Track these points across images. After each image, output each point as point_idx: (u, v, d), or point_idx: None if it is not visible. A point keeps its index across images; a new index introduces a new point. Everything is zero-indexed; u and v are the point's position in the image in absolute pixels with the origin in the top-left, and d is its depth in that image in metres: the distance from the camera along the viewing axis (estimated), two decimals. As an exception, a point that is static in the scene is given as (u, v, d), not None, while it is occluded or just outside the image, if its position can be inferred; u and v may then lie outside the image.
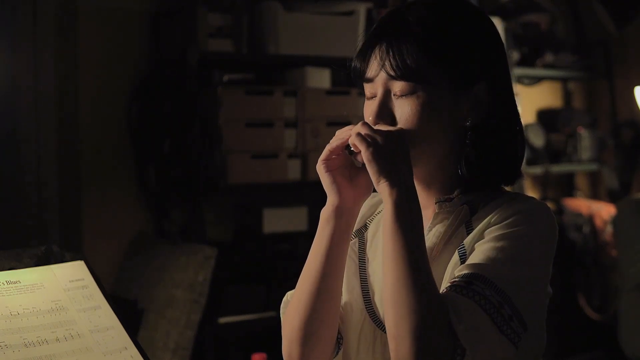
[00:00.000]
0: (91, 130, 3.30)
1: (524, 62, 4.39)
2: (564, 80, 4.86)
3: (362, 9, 3.48)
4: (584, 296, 4.37)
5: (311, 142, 3.32)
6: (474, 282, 1.19)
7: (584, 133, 4.59)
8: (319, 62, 3.43)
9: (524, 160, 1.45)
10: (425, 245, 1.23)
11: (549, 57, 4.49)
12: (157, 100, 3.31)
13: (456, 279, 1.21)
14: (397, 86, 1.28)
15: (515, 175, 1.35)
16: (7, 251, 1.39)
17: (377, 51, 1.29)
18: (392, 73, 1.27)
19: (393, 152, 1.23)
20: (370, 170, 1.23)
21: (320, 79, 3.43)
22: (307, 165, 3.31)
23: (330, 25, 3.42)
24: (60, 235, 3.24)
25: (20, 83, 3.24)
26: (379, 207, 1.46)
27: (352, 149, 1.28)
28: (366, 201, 1.43)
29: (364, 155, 1.23)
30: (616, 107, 4.75)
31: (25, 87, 3.24)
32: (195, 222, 3.29)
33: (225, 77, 3.26)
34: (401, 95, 1.28)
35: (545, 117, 4.66)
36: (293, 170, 3.30)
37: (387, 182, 1.22)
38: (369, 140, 1.23)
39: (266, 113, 3.25)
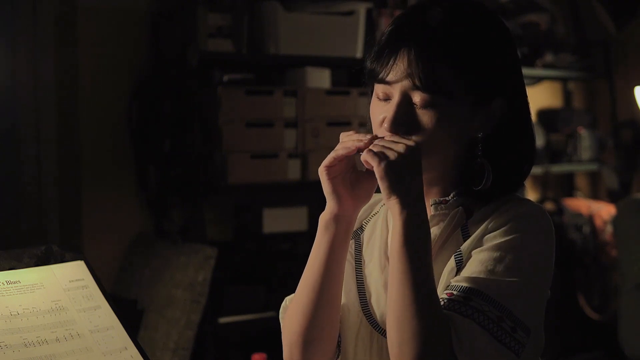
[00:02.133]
0: (91, 130, 3.30)
1: (524, 62, 4.33)
2: (564, 80, 4.86)
3: (362, 9, 3.48)
4: (584, 296, 4.37)
5: (311, 142, 3.32)
6: (472, 298, 1.19)
7: (584, 133, 4.59)
8: (319, 62, 3.43)
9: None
10: (432, 265, 1.22)
11: (549, 57, 4.49)
12: (157, 100, 3.30)
13: (454, 293, 1.21)
14: (419, 96, 1.25)
15: (520, 184, 1.35)
16: (7, 251, 1.39)
17: (402, 57, 1.25)
18: (418, 84, 1.24)
19: (406, 169, 1.21)
20: (382, 185, 1.21)
21: (320, 79, 3.42)
22: (307, 165, 3.31)
23: (330, 25, 3.42)
24: (60, 235, 3.24)
25: (20, 83, 3.24)
26: (375, 208, 1.45)
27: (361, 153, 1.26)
28: None
29: (376, 171, 1.21)
30: (616, 107, 4.74)
31: (25, 86, 3.24)
32: (195, 222, 3.29)
33: (225, 77, 3.26)
34: (422, 106, 1.25)
35: (545, 117, 4.66)
36: (293, 170, 3.30)
37: (397, 200, 1.20)
38: (382, 155, 1.21)
39: (266, 113, 3.25)
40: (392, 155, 1.21)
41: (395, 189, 1.21)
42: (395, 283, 1.20)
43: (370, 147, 1.23)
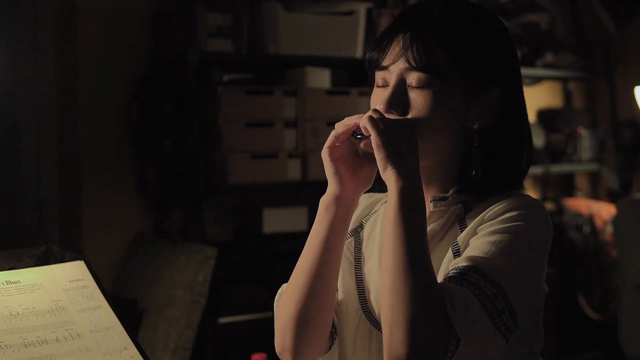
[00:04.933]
0: (91, 130, 3.30)
1: (524, 62, 4.38)
2: (564, 80, 4.86)
3: (362, 9, 3.48)
4: (584, 296, 4.37)
5: (311, 142, 3.32)
6: (468, 273, 1.19)
7: (584, 133, 4.59)
8: (319, 62, 3.43)
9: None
10: (426, 235, 1.23)
11: (549, 57, 4.49)
12: (157, 100, 3.30)
13: (450, 271, 1.21)
14: (414, 77, 1.28)
15: (520, 181, 1.36)
16: (7, 251, 1.39)
17: (398, 40, 1.29)
18: (412, 63, 1.27)
19: (402, 141, 1.23)
20: (378, 156, 1.23)
21: (320, 79, 3.43)
22: (307, 165, 3.31)
23: (330, 25, 3.42)
24: (60, 234, 3.24)
25: (20, 82, 3.24)
26: (375, 206, 1.46)
27: (358, 135, 1.28)
28: (362, 201, 1.43)
29: (374, 141, 1.23)
30: (616, 107, 4.74)
31: (25, 86, 3.24)
32: (195, 222, 3.28)
33: (225, 77, 3.26)
34: (417, 87, 1.28)
35: (545, 117, 4.66)
36: (293, 170, 3.30)
37: (394, 170, 1.22)
38: (380, 125, 1.23)
39: (266, 113, 3.25)
40: (390, 126, 1.23)
41: (391, 159, 1.22)
42: (389, 251, 1.20)
43: (371, 115, 1.25)
